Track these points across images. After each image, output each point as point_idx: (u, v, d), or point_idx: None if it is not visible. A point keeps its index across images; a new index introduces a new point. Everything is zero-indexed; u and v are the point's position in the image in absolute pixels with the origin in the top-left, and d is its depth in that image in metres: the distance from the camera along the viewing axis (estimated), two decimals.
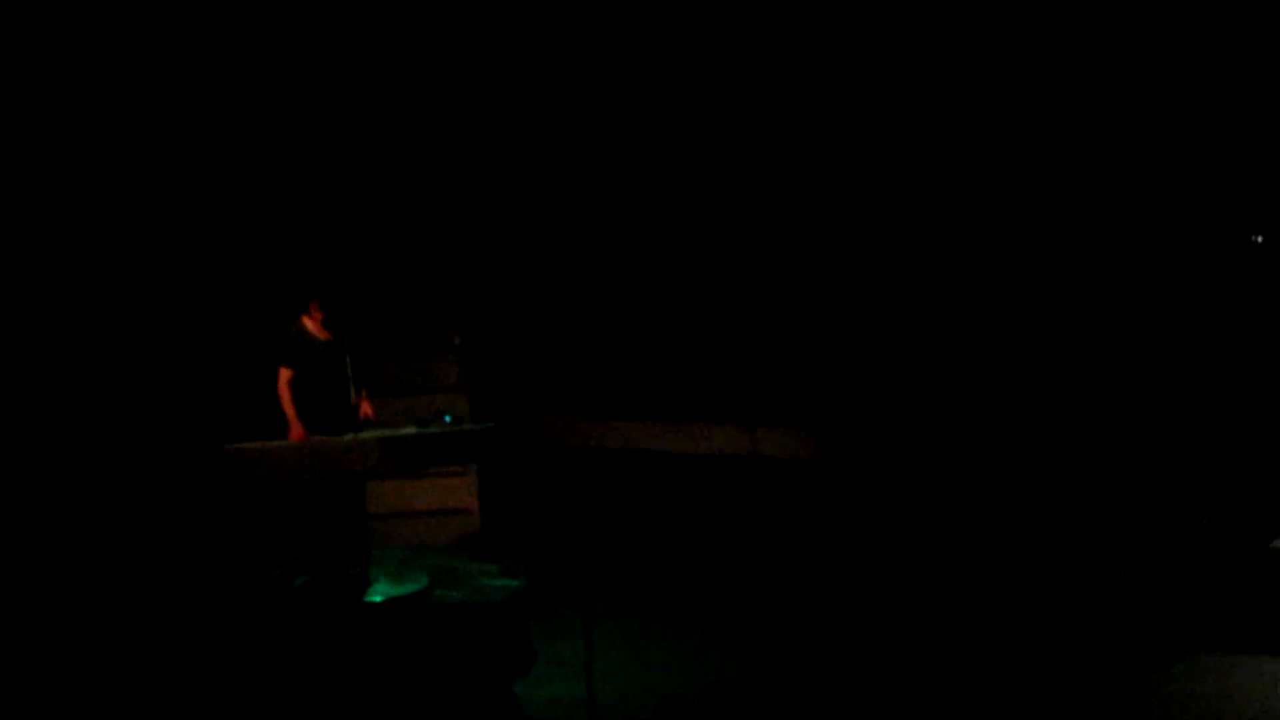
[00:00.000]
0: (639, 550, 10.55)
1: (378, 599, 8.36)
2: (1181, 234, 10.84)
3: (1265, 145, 10.69)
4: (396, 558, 9.23)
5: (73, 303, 10.95)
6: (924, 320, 11.23)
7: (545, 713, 8.13)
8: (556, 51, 12.04)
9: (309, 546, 8.76)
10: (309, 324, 8.64)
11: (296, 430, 8.50)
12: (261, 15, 11.53)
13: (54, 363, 10.80)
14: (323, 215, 11.86)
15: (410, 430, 8.70)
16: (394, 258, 11.99)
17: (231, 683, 8.09)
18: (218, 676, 8.14)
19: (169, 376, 11.14)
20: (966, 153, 11.23)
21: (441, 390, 11.38)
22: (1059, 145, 11.04)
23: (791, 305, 11.63)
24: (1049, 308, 10.97)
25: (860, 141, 11.51)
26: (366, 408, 8.83)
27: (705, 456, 11.44)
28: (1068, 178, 11.03)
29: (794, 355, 11.50)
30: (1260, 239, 10.64)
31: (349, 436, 8.41)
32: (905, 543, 10.21)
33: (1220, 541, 9.30)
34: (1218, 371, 10.58)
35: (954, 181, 11.30)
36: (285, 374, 8.59)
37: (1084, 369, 10.79)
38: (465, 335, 12.01)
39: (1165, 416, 10.51)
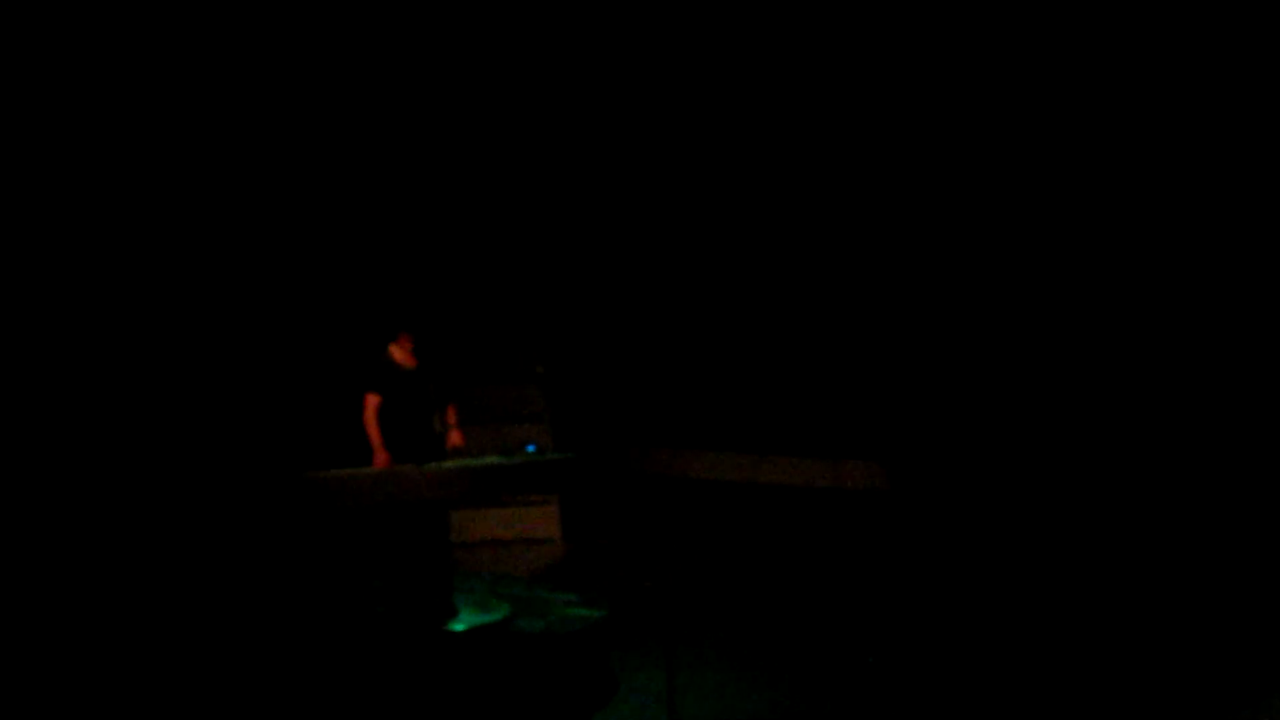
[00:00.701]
0: (721, 581, 10.52)
1: (460, 628, 8.39)
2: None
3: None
4: (479, 586, 9.26)
5: (157, 328, 11.10)
6: (1003, 351, 11.14)
7: None
8: (645, 89, 12.09)
9: (392, 574, 8.81)
10: (396, 352, 8.71)
11: (381, 458, 8.56)
12: (361, 51, 11.72)
13: (139, 388, 10.95)
14: (410, 244, 11.97)
15: (494, 459, 8.73)
16: (479, 287, 12.07)
17: (313, 710, 8.14)
18: (299, 702, 8.20)
19: (254, 402, 11.27)
20: (1049, 197, 11.13)
21: (525, 420, 11.43)
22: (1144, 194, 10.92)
23: (876, 335, 11.57)
24: (1132, 343, 10.83)
25: (942, 188, 11.45)
26: (457, 437, 8.87)
27: (789, 488, 11.40)
28: (1155, 223, 10.90)
29: (877, 385, 11.43)
30: None
31: (432, 465, 8.46)
32: (990, 577, 10.10)
33: None
34: None
35: (1030, 226, 11.20)
36: (372, 401, 8.66)
37: (1170, 401, 10.62)
38: (549, 365, 12.05)
39: (1256, 451, 10.33)
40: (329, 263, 11.77)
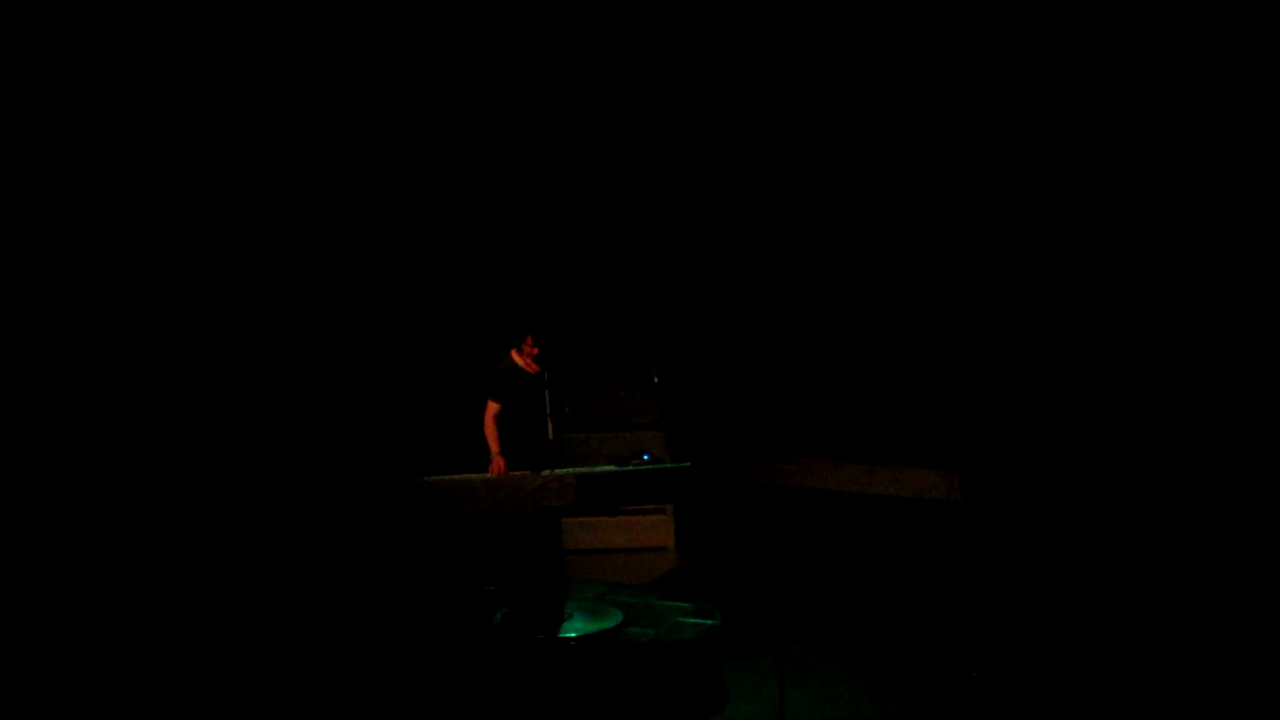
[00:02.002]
0: (833, 591, 10.49)
1: (572, 635, 8.44)
2: None
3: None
4: (592, 594, 9.30)
5: (275, 333, 11.34)
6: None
7: None
8: (755, 94, 12.12)
9: (505, 581, 8.88)
10: (518, 358, 8.73)
11: (497, 464, 8.60)
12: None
13: (256, 393, 11.19)
14: (528, 250, 12.08)
15: (608, 468, 8.74)
16: (596, 295, 12.14)
17: (427, 712, 8.25)
18: (413, 710, 8.32)
19: (369, 408, 11.46)
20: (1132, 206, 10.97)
21: (641, 428, 11.46)
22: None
23: (998, 340, 11.47)
24: (1214, 361, 10.61)
25: (1029, 213, 11.36)
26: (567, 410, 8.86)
27: (903, 500, 11.36)
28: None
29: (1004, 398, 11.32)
30: None
31: (546, 472, 8.50)
32: (1106, 592, 9.96)
33: None
34: None
35: (1113, 247, 11.05)
36: (492, 407, 8.69)
37: (1254, 417, 10.37)
38: (665, 373, 12.08)
39: None
40: (452, 270, 11.95)
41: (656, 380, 11.98)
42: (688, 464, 8.76)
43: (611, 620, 8.68)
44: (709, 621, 8.72)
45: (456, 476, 8.47)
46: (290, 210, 11.46)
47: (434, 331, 11.71)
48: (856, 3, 11.70)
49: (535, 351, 8.66)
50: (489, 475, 8.54)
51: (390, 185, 11.86)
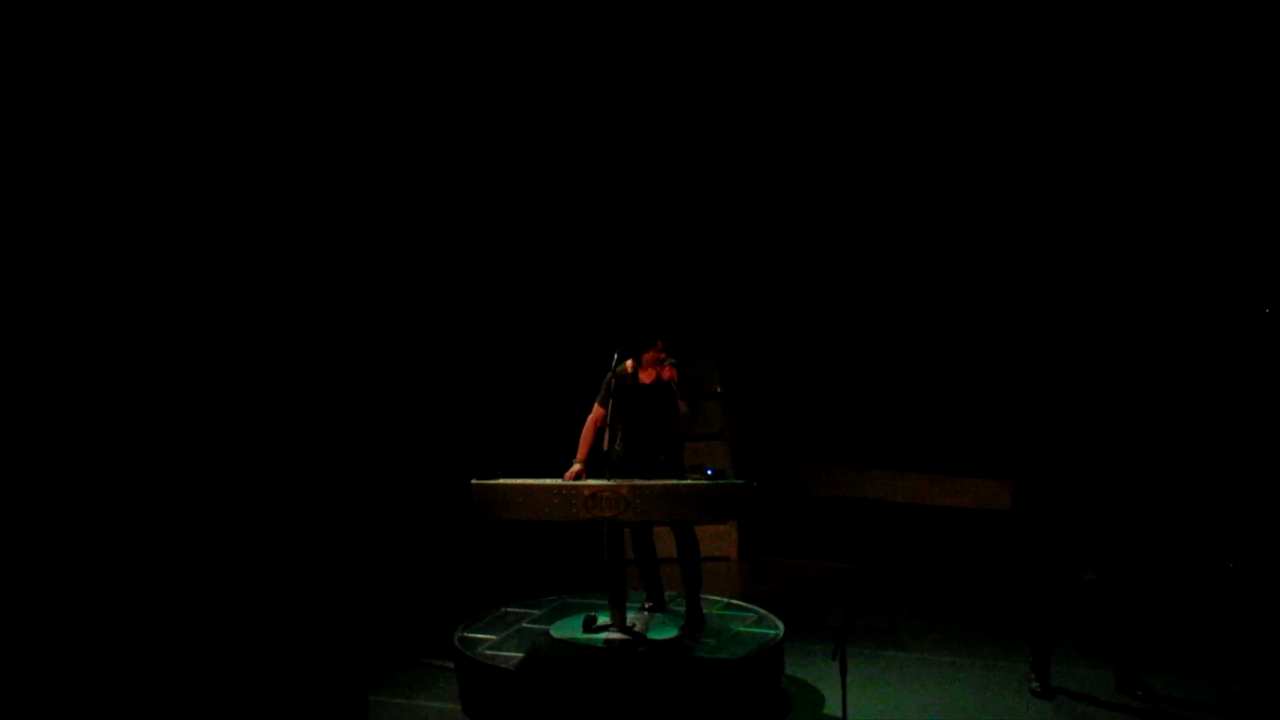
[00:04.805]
0: (897, 600, 10.45)
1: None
2: None
3: None
4: None
5: (359, 339, 11.49)
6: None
7: None
8: (821, 106, 12.13)
9: (568, 588, 8.90)
10: (632, 366, 8.71)
11: (573, 470, 8.58)
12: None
13: (325, 398, 11.33)
14: (591, 257, 12.15)
15: (667, 481, 8.62)
16: (660, 307, 12.16)
17: None
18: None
19: (436, 411, 11.58)
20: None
21: (703, 438, 11.42)
22: None
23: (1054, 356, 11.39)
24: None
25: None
26: (684, 407, 8.80)
27: (964, 510, 11.33)
28: None
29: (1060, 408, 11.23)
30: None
31: (609, 482, 8.41)
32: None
33: None
34: None
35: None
36: (597, 411, 8.65)
37: None
38: (729, 383, 12.07)
39: None
40: (512, 280, 12.07)
41: (719, 390, 11.95)
42: (743, 481, 8.66)
43: (672, 631, 8.67)
44: (771, 632, 8.70)
45: (510, 481, 8.43)
46: (373, 215, 11.66)
47: (516, 341, 11.85)
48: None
49: (661, 357, 8.59)
50: (543, 481, 8.47)
51: (476, 199, 12.03)
